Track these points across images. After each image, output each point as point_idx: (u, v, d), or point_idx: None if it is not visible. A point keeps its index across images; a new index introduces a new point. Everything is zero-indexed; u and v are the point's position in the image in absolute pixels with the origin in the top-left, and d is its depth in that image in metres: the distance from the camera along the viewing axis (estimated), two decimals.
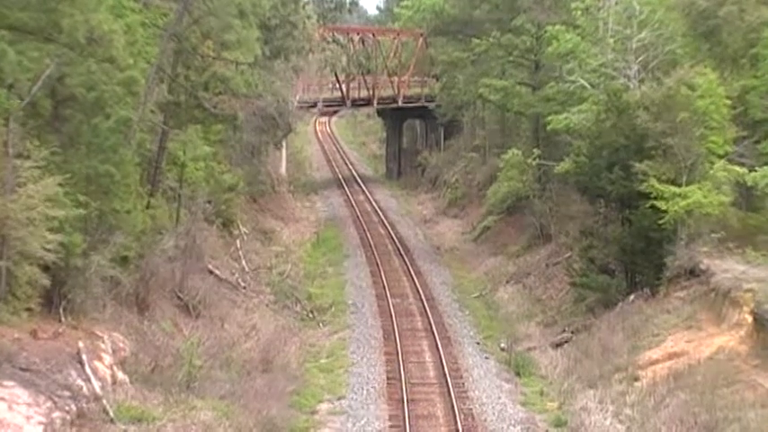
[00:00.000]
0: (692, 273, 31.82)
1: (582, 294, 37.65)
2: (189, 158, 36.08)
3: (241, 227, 48.28)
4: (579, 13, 42.23)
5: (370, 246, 53.37)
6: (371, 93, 73.40)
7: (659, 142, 33.73)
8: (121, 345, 25.38)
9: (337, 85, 71.52)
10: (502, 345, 35.76)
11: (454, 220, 61.99)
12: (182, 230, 34.87)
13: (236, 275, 41.48)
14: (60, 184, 23.20)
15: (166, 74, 32.58)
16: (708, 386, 25.80)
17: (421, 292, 43.06)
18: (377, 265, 48.63)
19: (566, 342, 34.92)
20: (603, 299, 35.68)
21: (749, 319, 27.51)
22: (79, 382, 21.79)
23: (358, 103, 75.49)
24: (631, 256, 35.00)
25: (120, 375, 23.96)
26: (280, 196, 63.30)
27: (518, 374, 32.77)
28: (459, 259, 52.29)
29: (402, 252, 51.67)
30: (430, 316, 38.97)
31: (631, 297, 33.98)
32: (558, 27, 44.01)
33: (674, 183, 32.95)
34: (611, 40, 39.79)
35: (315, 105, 70.13)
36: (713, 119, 33.89)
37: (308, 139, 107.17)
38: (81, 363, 22.60)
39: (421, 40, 73.99)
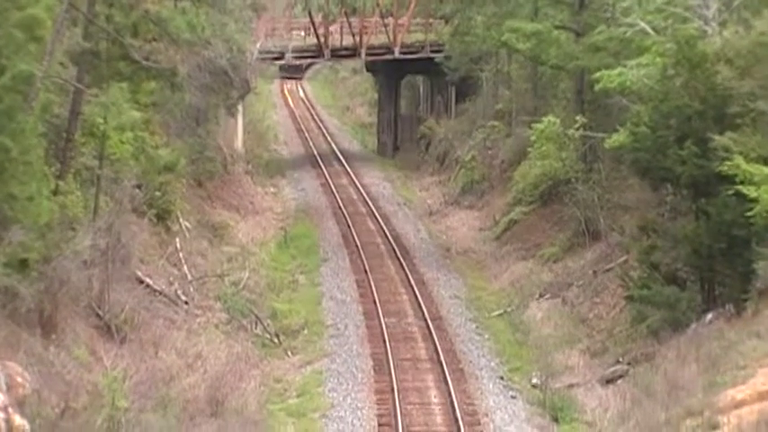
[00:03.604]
0: None
1: (642, 312, 37.66)
2: (111, 127, 35.97)
3: (182, 220, 48.23)
4: None
5: (356, 246, 53.42)
6: (358, 40, 73.28)
7: (747, 107, 33.72)
8: (19, 379, 25.23)
9: (312, 30, 71.35)
10: (534, 380, 35.94)
11: (469, 212, 62.04)
12: (102, 225, 34.77)
13: (176, 286, 41.47)
14: None
15: (81, 13, 32.41)
16: None
17: (424, 308, 43.09)
18: (365, 272, 48.69)
19: (620, 377, 34.98)
20: (671, 318, 35.70)
21: None
22: None
23: (340, 54, 75.43)
24: (708, 260, 35.04)
25: (18, 420, 23.79)
26: (234, 179, 63.25)
27: (555, 420, 32.93)
28: (475, 265, 52.36)
29: (399, 255, 51.72)
30: (437, 341, 39.02)
31: (708, 316, 34.01)
32: None
33: (766, 162, 32.92)
34: None
35: (282, 57, 70.00)
36: None
37: (272, 101, 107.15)
38: None
39: None
